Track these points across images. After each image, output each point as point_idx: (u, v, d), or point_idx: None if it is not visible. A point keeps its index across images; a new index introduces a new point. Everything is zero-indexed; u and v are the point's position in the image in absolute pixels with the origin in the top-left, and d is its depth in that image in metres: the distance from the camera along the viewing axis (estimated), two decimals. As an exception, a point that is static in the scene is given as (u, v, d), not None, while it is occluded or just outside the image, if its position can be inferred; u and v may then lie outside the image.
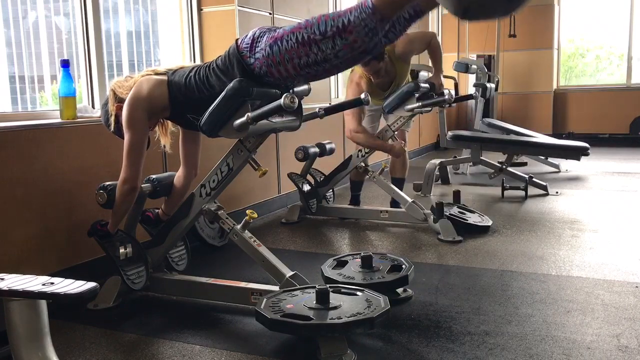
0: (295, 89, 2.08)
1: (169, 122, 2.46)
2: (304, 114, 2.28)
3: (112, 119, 2.32)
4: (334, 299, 1.99)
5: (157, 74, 2.27)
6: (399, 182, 3.92)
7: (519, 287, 2.48)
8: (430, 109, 3.75)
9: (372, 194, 4.48)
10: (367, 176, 3.87)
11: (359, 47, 1.84)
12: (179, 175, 2.55)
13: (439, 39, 8.65)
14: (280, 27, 1.99)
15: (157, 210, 2.60)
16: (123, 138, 2.29)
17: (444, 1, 1.71)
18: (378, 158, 4.91)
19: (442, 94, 3.77)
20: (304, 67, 1.91)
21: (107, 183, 2.32)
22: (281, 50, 1.90)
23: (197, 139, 2.49)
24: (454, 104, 4.19)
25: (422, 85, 3.57)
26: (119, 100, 2.29)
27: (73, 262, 2.59)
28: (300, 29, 1.88)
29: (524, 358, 1.83)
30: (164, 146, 2.50)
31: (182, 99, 2.19)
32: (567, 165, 5.88)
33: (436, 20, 8.54)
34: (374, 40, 1.84)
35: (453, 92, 4.44)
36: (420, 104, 3.58)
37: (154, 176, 2.53)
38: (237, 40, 2.05)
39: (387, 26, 1.86)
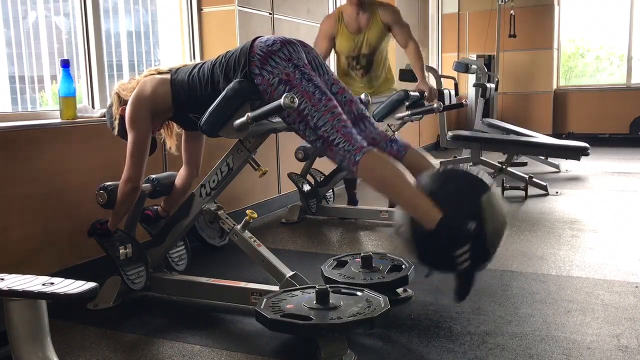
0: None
1: (174, 124, 2.45)
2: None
3: (117, 122, 2.32)
4: (334, 299, 1.99)
5: (160, 73, 2.27)
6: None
7: (519, 287, 2.48)
8: (421, 116, 3.79)
9: (372, 194, 4.47)
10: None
11: (327, 156, 2.01)
12: (180, 174, 2.55)
13: (439, 38, 8.66)
14: (299, 64, 1.99)
15: (156, 207, 2.60)
16: (123, 137, 2.30)
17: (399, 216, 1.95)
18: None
19: (441, 94, 3.78)
20: (285, 122, 2.05)
21: (108, 183, 2.32)
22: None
23: (199, 140, 2.49)
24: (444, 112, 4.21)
25: (412, 93, 3.60)
26: (124, 103, 2.28)
27: (73, 262, 2.59)
28: (309, 100, 1.95)
29: (524, 358, 1.83)
30: (170, 148, 2.49)
31: (184, 98, 2.18)
32: (567, 165, 5.87)
33: (436, 20, 8.55)
34: (337, 164, 2.01)
35: (453, 92, 4.45)
36: (409, 112, 3.62)
37: (154, 176, 2.53)
38: (254, 40, 2.05)
39: None
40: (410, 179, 1.90)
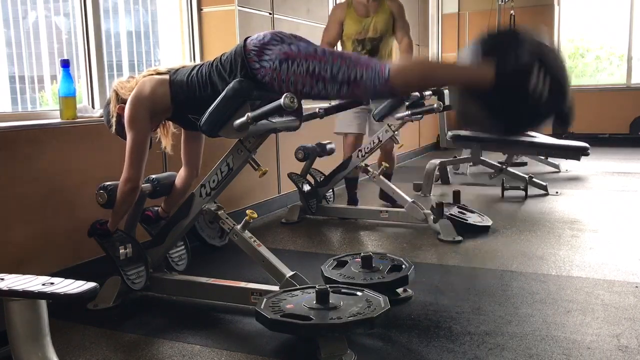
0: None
1: (170, 124, 2.46)
2: (304, 114, 2.28)
3: (114, 119, 2.32)
4: (334, 299, 1.99)
5: (158, 73, 2.27)
6: (389, 177, 3.99)
7: (519, 287, 2.48)
8: (421, 116, 3.81)
9: (372, 194, 4.48)
10: (367, 176, 3.88)
11: (359, 99, 1.93)
12: (180, 175, 2.55)
13: (439, 38, 8.66)
14: (294, 41, 1.98)
15: (156, 208, 2.60)
16: (125, 138, 2.30)
17: (451, 100, 1.83)
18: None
19: (441, 94, 3.79)
20: (304, 94, 1.97)
21: (108, 183, 2.32)
22: (289, 72, 1.92)
23: (199, 140, 2.49)
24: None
25: (412, 94, 3.61)
26: (122, 101, 2.29)
27: (73, 262, 2.59)
28: (315, 58, 1.91)
29: (524, 358, 1.83)
30: (165, 147, 2.49)
31: (183, 98, 2.18)
32: (567, 165, 5.87)
33: (436, 20, 8.55)
34: (374, 98, 1.91)
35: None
36: (409, 112, 3.64)
37: (154, 176, 2.53)
38: (245, 39, 2.05)
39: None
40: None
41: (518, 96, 1.75)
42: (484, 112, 1.81)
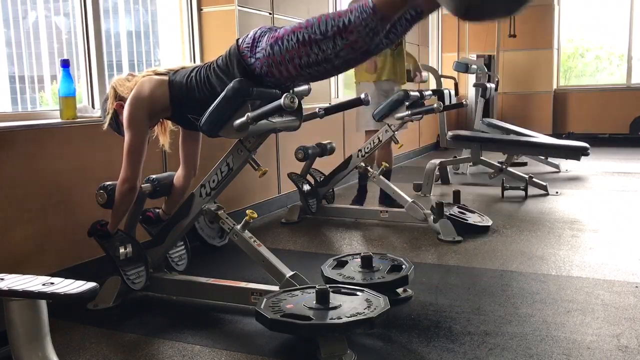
0: (295, 89, 2.08)
1: (169, 122, 2.46)
2: (304, 114, 2.28)
3: (109, 115, 2.33)
4: (334, 299, 1.99)
5: (157, 74, 2.27)
6: (389, 174, 4.00)
7: (519, 287, 2.48)
8: (421, 116, 3.82)
9: (372, 194, 4.48)
10: (367, 176, 3.88)
11: (360, 47, 1.84)
12: (178, 175, 2.55)
13: (439, 38, 8.66)
14: (281, 27, 1.99)
15: (157, 210, 2.60)
16: (120, 134, 2.30)
17: (445, 1, 1.72)
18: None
19: (442, 94, 3.81)
20: (304, 67, 1.91)
21: (107, 183, 2.32)
22: (282, 50, 1.90)
23: (197, 139, 2.49)
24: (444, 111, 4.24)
25: (412, 93, 3.62)
26: (119, 98, 2.29)
27: (73, 262, 2.59)
28: (301, 28, 1.88)
29: (524, 358, 1.83)
30: (163, 145, 2.50)
31: (182, 99, 2.19)
32: (567, 165, 5.87)
33: (436, 20, 8.55)
34: (374, 41, 1.85)
35: (453, 92, 4.46)
36: (410, 112, 3.65)
37: (153, 176, 2.53)
38: (237, 40, 2.06)
39: (388, 26, 1.86)
40: None
41: None
42: None
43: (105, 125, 2.36)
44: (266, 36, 1.97)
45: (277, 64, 1.93)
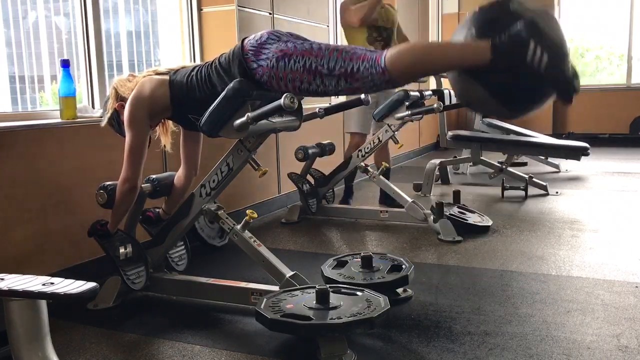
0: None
1: (170, 122, 2.46)
2: (304, 114, 2.28)
3: (108, 115, 2.33)
4: (334, 299, 1.99)
5: (158, 73, 2.27)
6: (388, 173, 4.01)
7: (519, 287, 2.48)
8: (421, 116, 3.83)
9: (372, 194, 4.48)
10: (367, 176, 3.88)
11: (359, 91, 1.92)
12: (179, 175, 2.55)
13: (439, 38, 8.65)
14: (290, 39, 1.98)
15: (157, 210, 2.60)
16: (121, 134, 2.30)
17: (452, 84, 1.78)
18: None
19: (442, 94, 3.81)
20: (303, 91, 1.95)
21: (108, 183, 2.32)
22: (286, 69, 1.91)
23: (197, 139, 2.49)
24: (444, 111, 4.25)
25: (412, 93, 3.62)
26: (120, 99, 2.30)
27: (73, 262, 2.59)
28: (311, 54, 1.90)
29: (524, 358, 1.83)
30: (164, 146, 2.50)
31: (183, 99, 2.19)
32: (567, 165, 5.87)
33: (436, 20, 8.55)
34: (374, 90, 1.91)
35: (453, 92, 4.46)
36: (409, 112, 3.65)
37: (154, 176, 2.53)
38: (243, 40, 2.05)
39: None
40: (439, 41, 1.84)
41: (517, 69, 1.71)
42: (486, 95, 1.78)
43: (104, 122, 2.36)
44: (274, 45, 1.96)
45: (278, 79, 1.95)
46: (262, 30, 2.07)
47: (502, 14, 1.76)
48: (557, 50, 1.72)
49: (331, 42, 4.78)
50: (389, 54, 1.82)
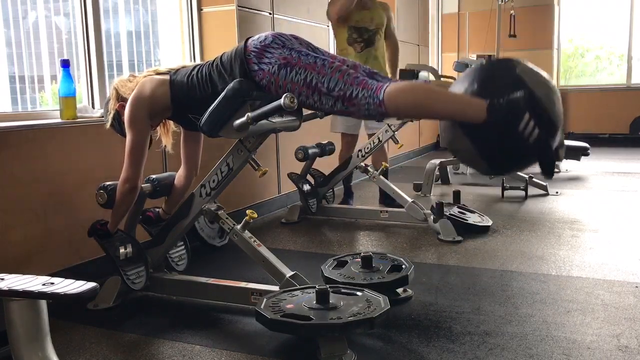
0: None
1: (171, 122, 2.46)
2: (304, 114, 2.28)
3: (110, 115, 2.33)
4: (334, 299, 1.99)
5: (158, 73, 2.27)
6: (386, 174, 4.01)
7: (519, 287, 2.48)
8: None
9: (372, 194, 4.48)
10: (367, 176, 3.88)
11: (353, 115, 1.94)
12: (179, 175, 2.55)
13: (439, 38, 8.66)
14: (294, 46, 1.98)
15: (157, 210, 2.60)
16: (122, 135, 2.30)
17: (441, 129, 1.81)
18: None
19: None
20: (300, 103, 1.97)
21: (108, 183, 2.32)
22: (287, 79, 1.92)
23: (198, 139, 2.49)
24: None
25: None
26: (122, 99, 2.30)
27: (73, 262, 2.59)
28: (314, 69, 1.91)
29: (524, 358, 1.83)
30: (165, 146, 2.50)
31: (183, 99, 2.19)
32: (567, 165, 5.87)
33: (436, 20, 8.55)
34: (367, 118, 1.91)
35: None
36: None
37: (154, 176, 2.53)
38: (247, 40, 2.05)
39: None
40: (441, 87, 1.84)
41: (508, 135, 1.74)
42: (472, 149, 1.80)
43: (108, 124, 2.36)
44: (278, 51, 1.96)
45: (277, 86, 1.96)
46: (266, 32, 2.07)
47: (506, 76, 1.77)
48: (549, 126, 1.76)
49: (331, 43, 4.78)
50: (389, 88, 1.83)
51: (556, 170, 5.79)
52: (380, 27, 3.98)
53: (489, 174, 1.83)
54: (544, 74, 1.83)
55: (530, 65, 1.82)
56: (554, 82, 1.83)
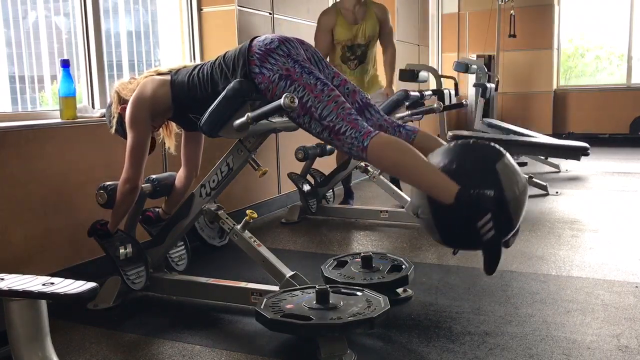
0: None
1: (174, 124, 2.45)
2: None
3: (114, 120, 2.33)
4: (334, 299, 1.99)
5: (159, 74, 2.27)
6: (397, 181, 4.00)
7: (519, 287, 2.48)
8: (421, 116, 3.85)
9: (372, 194, 4.48)
10: (367, 176, 3.88)
11: (336, 147, 1.98)
12: (179, 176, 2.55)
13: (439, 38, 8.66)
14: (299, 56, 1.99)
15: (157, 210, 2.60)
16: (124, 137, 2.30)
17: (412, 191, 1.95)
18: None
19: (442, 94, 3.83)
20: (290, 116, 2.00)
21: (108, 183, 2.32)
22: (285, 91, 1.94)
23: (199, 140, 2.49)
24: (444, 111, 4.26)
25: (412, 94, 3.63)
26: (123, 102, 2.29)
27: (73, 262, 2.59)
28: (312, 92, 1.93)
29: (524, 358, 1.83)
30: (169, 148, 2.49)
31: (184, 98, 2.19)
32: (567, 165, 5.88)
33: (436, 20, 8.55)
34: (347, 154, 1.98)
35: (453, 92, 4.47)
36: (409, 112, 3.67)
37: (154, 176, 2.53)
38: (252, 39, 2.05)
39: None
40: (423, 156, 1.86)
41: (464, 225, 1.81)
42: (431, 218, 1.88)
43: (112, 130, 2.36)
44: (281, 60, 1.97)
45: (273, 94, 1.96)
46: (273, 34, 2.07)
47: (484, 169, 1.82)
48: (507, 229, 1.84)
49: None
50: (376, 139, 1.87)
51: (556, 170, 5.80)
52: (373, 37, 4.01)
53: (441, 244, 1.94)
54: (521, 173, 1.89)
55: (511, 161, 1.87)
56: (525, 182, 1.91)
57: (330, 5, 4.98)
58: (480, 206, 1.76)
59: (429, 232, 1.95)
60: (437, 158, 1.89)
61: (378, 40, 4.08)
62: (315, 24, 4.01)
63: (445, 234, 1.90)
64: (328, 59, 4.04)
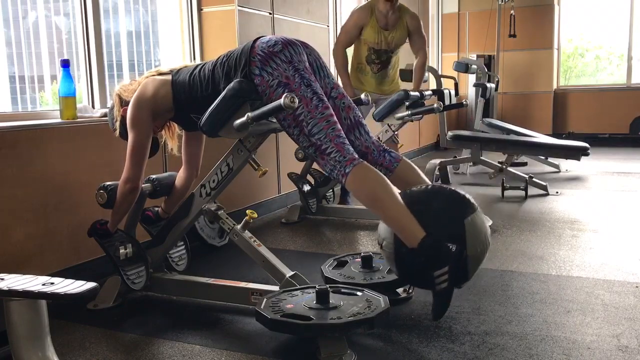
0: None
1: (176, 126, 2.45)
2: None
3: (118, 123, 2.32)
4: (334, 299, 1.99)
5: (160, 74, 2.27)
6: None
7: (519, 287, 2.48)
8: (421, 116, 3.87)
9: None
10: None
11: (319, 164, 2.01)
12: (180, 176, 2.55)
13: (439, 38, 8.66)
14: (300, 64, 2.00)
15: (156, 209, 2.60)
16: (125, 138, 2.30)
17: (382, 228, 2.04)
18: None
19: (442, 94, 3.85)
20: (281, 124, 2.04)
21: (108, 183, 2.32)
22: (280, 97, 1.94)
23: (200, 140, 2.49)
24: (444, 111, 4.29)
25: (412, 94, 3.65)
26: (125, 104, 2.29)
27: (73, 262, 2.60)
28: (306, 106, 1.96)
29: (524, 358, 1.83)
30: (171, 149, 2.49)
31: (185, 98, 2.19)
32: (567, 165, 5.87)
33: (436, 20, 8.55)
34: (327, 174, 2.01)
35: (453, 92, 4.47)
36: (410, 112, 3.68)
37: (154, 176, 2.53)
38: (256, 40, 2.05)
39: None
40: (398, 195, 1.93)
41: (422, 269, 1.89)
42: (393, 253, 1.97)
43: (117, 134, 2.35)
44: (283, 65, 1.98)
45: (269, 98, 1.99)
46: (277, 36, 2.08)
47: (452, 224, 1.90)
48: (460, 281, 1.92)
49: (331, 43, 4.78)
50: (357, 168, 1.92)
51: (556, 170, 5.80)
52: (399, 46, 4.07)
53: (397, 276, 2.03)
54: (487, 232, 1.96)
55: (481, 218, 1.95)
56: (489, 242, 1.95)
57: (333, 9, 5.04)
58: (441, 258, 1.84)
59: (389, 264, 2.05)
60: (412, 197, 1.95)
61: (408, 46, 4.16)
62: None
63: (402, 271, 2.00)
64: (353, 52, 4.10)
